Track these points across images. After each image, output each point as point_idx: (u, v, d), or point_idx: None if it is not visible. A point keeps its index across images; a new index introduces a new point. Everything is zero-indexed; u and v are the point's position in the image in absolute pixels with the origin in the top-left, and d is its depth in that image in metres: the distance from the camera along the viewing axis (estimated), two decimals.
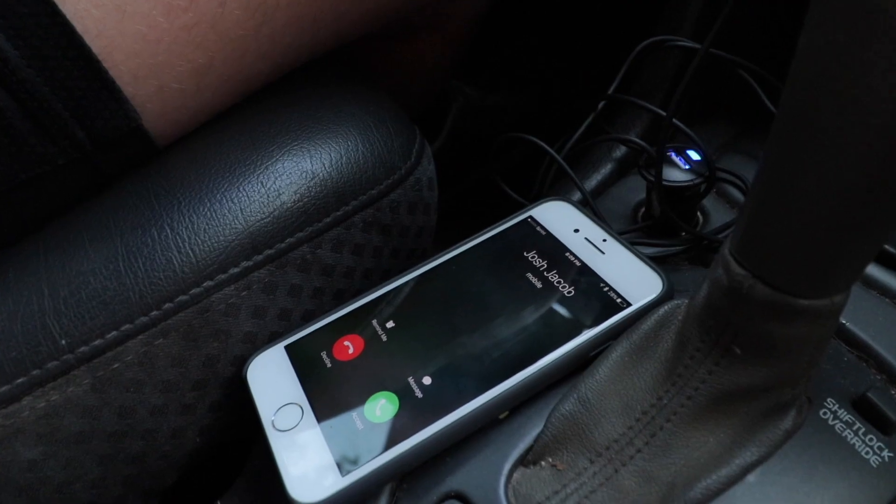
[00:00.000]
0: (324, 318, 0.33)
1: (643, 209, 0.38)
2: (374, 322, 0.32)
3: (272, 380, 0.30)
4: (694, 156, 0.34)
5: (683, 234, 0.36)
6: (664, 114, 0.31)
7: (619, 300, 0.30)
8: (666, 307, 0.28)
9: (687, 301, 0.26)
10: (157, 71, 0.31)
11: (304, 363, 0.31)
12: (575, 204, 0.35)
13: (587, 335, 0.29)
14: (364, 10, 0.38)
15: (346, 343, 0.31)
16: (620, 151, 0.42)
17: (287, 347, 0.32)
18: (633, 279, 0.30)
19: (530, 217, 0.35)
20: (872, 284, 0.31)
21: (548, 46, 0.75)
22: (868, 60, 0.16)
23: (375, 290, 0.34)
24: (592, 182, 0.41)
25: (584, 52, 0.71)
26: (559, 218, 0.35)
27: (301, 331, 0.32)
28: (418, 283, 0.33)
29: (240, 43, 0.33)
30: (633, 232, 0.37)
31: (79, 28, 0.29)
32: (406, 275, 0.34)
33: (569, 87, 0.74)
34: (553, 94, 0.75)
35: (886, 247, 0.31)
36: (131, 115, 0.31)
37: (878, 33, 0.16)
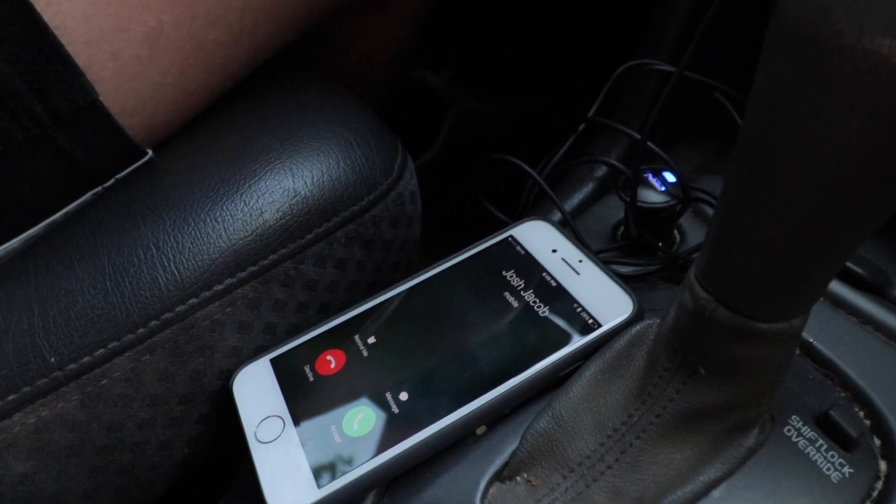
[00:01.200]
0: (309, 333, 0.33)
1: (622, 228, 0.39)
2: (357, 337, 0.33)
3: (256, 392, 0.31)
4: (670, 177, 0.35)
5: (660, 253, 0.37)
6: (639, 137, 0.32)
7: (590, 321, 0.31)
8: (639, 326, 0.28)
9: (658, 321, 0.27)
10: (109, 35, 0.32)
11: (288, 376, 0.32)
12: (554, 224, 0.36)
13: (557, 356, 0.29)
14: None
15: (329, 357, 0.32)
16: (602, 171, 0.43)
17: (272, 360, 0.32)
18: (605, 300, 0.31)
19: (510, 236, 0.36)
20: (840, 303, 0.31)
21: (540, 62, 0.76)
22: (813, 94, 0.16)
23: (359, 306, 0.34)
24: (574, 201, 0.42)
25: (574, 72, 0.72)
26: (538, 238, 0.35)
27: (286, 344, 0.33)
28: (400, 300, 0.34)
29: (188, 4, 0.33)
30: (612, 251, 0.37)
31: None
32: (388, 291, 0.35)
33: (559, 103, 0.75)
34: (545, 106, 0.76)
35: (854, 267, 0.32)
36: (87, 88, 0.31)
37: (820, 67, 0.16)
